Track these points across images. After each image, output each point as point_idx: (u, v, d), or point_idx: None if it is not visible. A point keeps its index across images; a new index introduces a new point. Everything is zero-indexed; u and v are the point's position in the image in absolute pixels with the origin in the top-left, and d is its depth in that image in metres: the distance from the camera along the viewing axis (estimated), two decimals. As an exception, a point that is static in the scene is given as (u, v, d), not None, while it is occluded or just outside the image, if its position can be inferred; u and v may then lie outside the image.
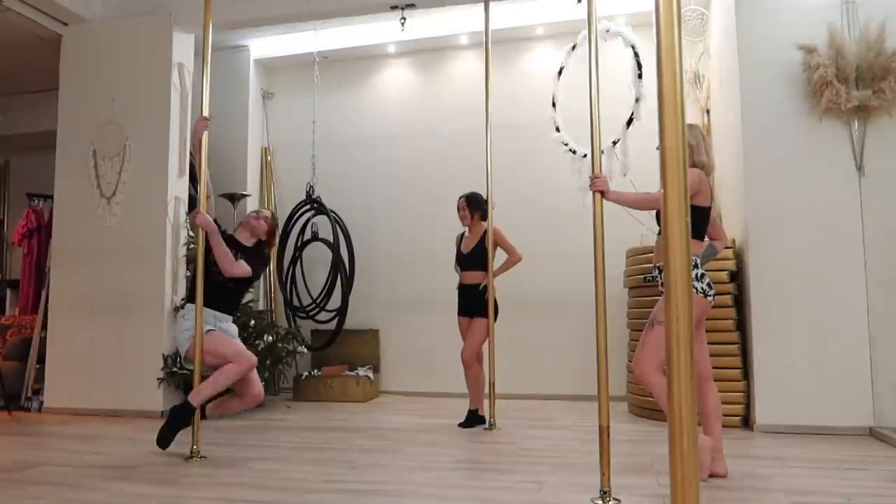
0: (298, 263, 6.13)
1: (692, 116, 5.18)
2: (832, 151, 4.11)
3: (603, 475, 2.59)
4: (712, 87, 5.23)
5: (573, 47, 4.89)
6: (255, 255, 3.77)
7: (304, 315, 5.95)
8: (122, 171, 5.20)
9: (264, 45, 6.47)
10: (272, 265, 6.38)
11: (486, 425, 4.27)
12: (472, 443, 3.91)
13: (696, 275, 2.96)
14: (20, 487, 2.96)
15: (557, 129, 5.00)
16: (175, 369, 4.80)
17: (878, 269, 3.99)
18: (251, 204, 6.39)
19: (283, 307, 6.17)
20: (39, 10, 5.12)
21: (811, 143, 4.14)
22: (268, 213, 3.95)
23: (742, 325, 4.31)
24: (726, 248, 4.20)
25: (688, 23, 5.20)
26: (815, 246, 4.08)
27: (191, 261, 5.10)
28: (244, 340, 5.04)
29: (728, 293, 4.25)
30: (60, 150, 5.39)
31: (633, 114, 4.62)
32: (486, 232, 4.42)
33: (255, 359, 3.63)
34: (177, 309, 5.07)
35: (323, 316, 5.88)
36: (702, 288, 2.95)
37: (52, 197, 5.54)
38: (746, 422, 4.20)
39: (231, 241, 3.74)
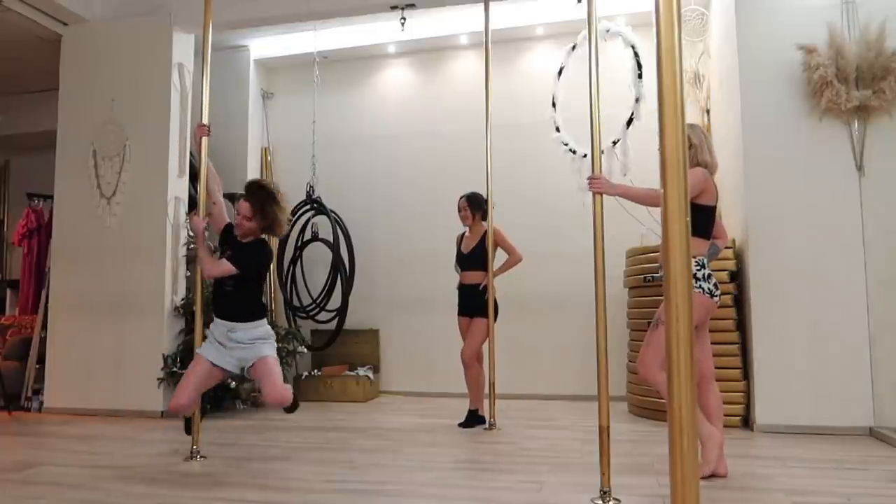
0: (298, 263, 6.13)
1: (692, 116, 5.18)
2: (832, 151, 4.11)
3: (603, 475, 2.59)
4: (712, 87, 5.23)
5: (573, 47, 4.89)
6: (246, 251, 3.35)
7: (304, 315, 5.95)
8: (122, 171, 5.20)
9: (264, 45, 6.47)
10: (272, 266, 6.39)
11: (486, 425, 4.27)
12: (472, 443, 3.91)
13: (704, 275, 2.95)
14: (20, 487, 2.96)
15: (557, 129, 5.00)
16: (175, 369, 4.80)
17: (878, 269, 3.99)
18: (251, 204, 6.38)
19: (283, 307, 6.17)
20: (39, 10, 5.12)
21: (811, 143, 4.14)
22: (246, 206, 3.42)
23: (742, 325, 4.31)
24: (726, 248, 4.20)
25: (688, 23, 5.20)
26: (815, 246, 4.08)
27: (191, 261, 5.11)
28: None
29: (728, 293, 4.25)
30: (60, 150, 5.39)
31: (633, 114, 4.62)
32: (486, 232, 4.42)
33: (179, 402, 3.25)
34: (177, 309, 5.07)
35: (323, 316, 5.88)
36: (708, 288, 2.95)
37: (52, 197, 5.54)
38: (746, 422, 4.19)
39: (228, 237, 3.48)
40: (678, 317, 1.28)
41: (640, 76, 4.62)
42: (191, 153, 5.40)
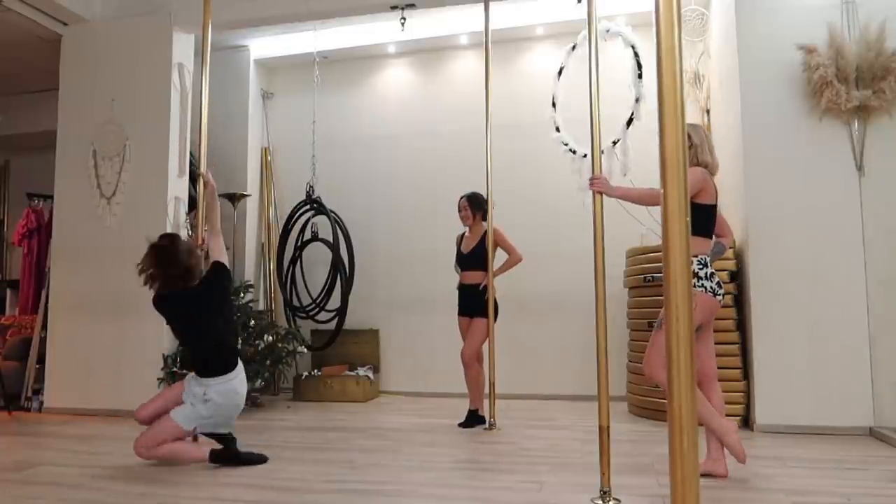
0: (298, 263, 6.14)
1: (692, 116, 5.18)
2: (832, 151, 4.11)
3: (603, 475, 2.59)
4: (712, 87, 5.23)
5: (573, 47, 4.88)
6: (181, 302, 3.32)
7: (303, 315, 5.96)
8: (122, 171, 5.20)
9: (264, 45, 6.47)
10: (272, 266, 6.40)
11: (486, 425, 4.27)
12: (472, 443, 3.91)
13: (706, 273, 2.94)
14: (20, 487, 2.96)
15: (557, 129, 4.99)
16: (175, 369, 4.80)
17: (878, 269, 3.99)
18: (251, 204, 6.39)
19: (283, 307, 6.17)
20: (39, 10, 5.12)
21: (811, 143, 4.14)
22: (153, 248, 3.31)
23: (742, 325, 4.31)
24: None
25: (688, 23, 5.20)
26: (815, 246, 4.08)
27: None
28: (244, 340, 5.07)
29: (728, 293, 4.25)
30: (60, 150, 5.39)
31: (633, 114, 4.62)
32: (486, 232, 4.42)
33: (141, 414, 3.33)
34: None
35: (323, 316, 5.88)
36: (711, 287, 2.94)
37: (52, 197, 5.54)
38: (746, 422, 4.19)
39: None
40: (678, 317, 1.28)
41: (640, 76, 4.62)
42: (191, 153, 5.40)
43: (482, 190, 4.47)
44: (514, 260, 4.45)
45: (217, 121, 5.98)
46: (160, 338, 4.93)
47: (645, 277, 4.66)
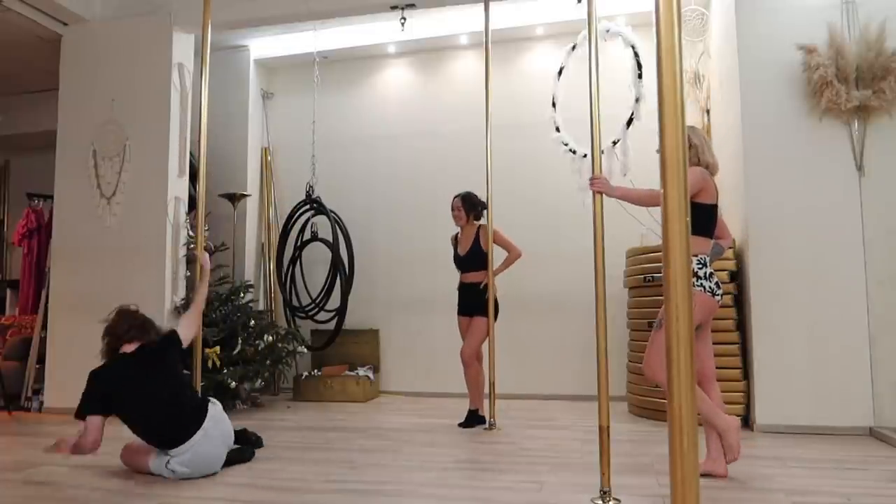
0: (298, 263, 6.14)
1: (692, 116, 5.18)
2: (832, 151, 4.11)
3: (603, 475, 2.59)
4: (712, 87, 5.23)
5: (573, 47, 4.89)
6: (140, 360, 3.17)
7: (303, 315, 5.95)
8: (122, 171, 5.20)
9: (264, 45, 6.47)
10: (272, 266, 6.40)
11: (486, 425, 4.27)
12: (472, 443, 3.91)
13: (706, 273, 2.94)
14: (20, 487, 2.96)
15: (557, 129, 5.00)
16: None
17: (878, 269, 3.99)
18: (251, 204, 6.39)
19: (282, 307, 6.17)
20: (39, 10, 5.12)
21: (811, 143, 4.14)
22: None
23: (742, 325, 4.31)
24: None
25: (688, 23, 5.20)
26: (815, 246, 4.08)
27: (191, 261, 5.11)
28: (244, 341, 5.07)
29: (728, 293, 4.25)
30: (60, 150, 5.38)
31: (633, 114, 4.62)
32: (479, 231, 4.42)
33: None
34: (177, 309, 5.07)
35: (322, 316, 5.88)
36: (710, 287, 2.94)
37: (52, 197, 5.53)
38: (746, 422, 4.19)
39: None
40: (678, 317, 1.28)
41: (640, 76, 4.62)
42: (191, 153, 5.40)
43: (482, 190, 4.47)
44: (514, 256, 4.44)
45: (217, 121, 5.99)
46: (160, 338, 4.93)
47: (645, 277, 4.66)
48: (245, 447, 3.44)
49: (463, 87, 6.18)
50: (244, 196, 6.17)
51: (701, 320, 2.95)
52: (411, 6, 5.04)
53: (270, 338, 5.28)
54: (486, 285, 4.32)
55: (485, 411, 4.34)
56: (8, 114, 6.95)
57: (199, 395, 3.47)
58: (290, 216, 6.09)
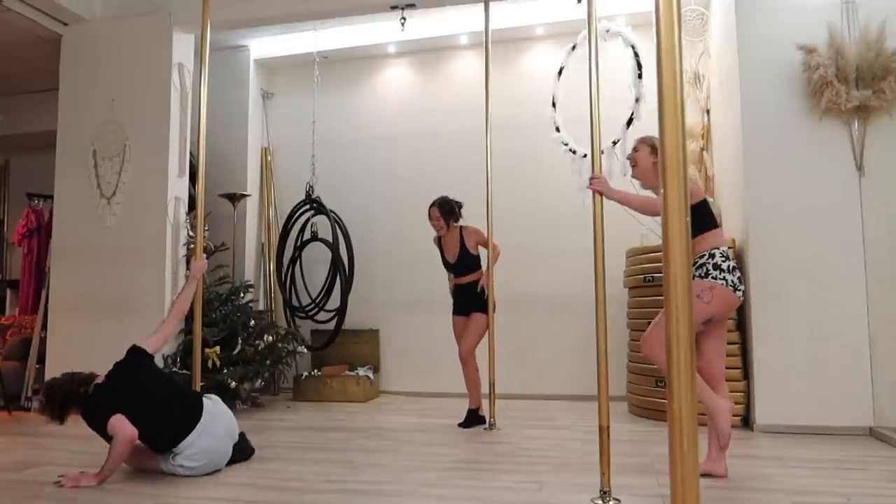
0: (298, 263, 6.13)
1: (692, 116, 5.19)
2: (832, 151, 4.11)
3: (603, 475, 2.59)
4: (712, 87, 5.23)
5: (573, 47, 4.89)
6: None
7: (303, 315, 5.95)
8: (122, 171, 5.20)
9: (264, 45, 6.47)
10: (271, 266, 6.40)
11: (486, 425, 4.27)
12: (472, 443, 3.91)
13: (729, 266, 2.93)
14: (20, 487, 2.96)
15: (557, 129, 5.00)
16: (174, 369, 4.80)
17: (878, 269, 3.99)
18: (251, 204, 6.39)
19: (282, 307, 6.17)
20: (39, 10, 5.12)
21: (811, 143, 4.14)
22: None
23: (742, 325, 4.31)
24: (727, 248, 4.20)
25: (688, 23, 5.20)
26: (815, 246, 4.08)
27: (191, 261, 5.11)
28: (244, 341, 5.07)
29: (728, 293, 4.24)
30: (60, 150, 5.38)
31: (633, 114, 4.63)
32: (462, 234, 4.40)
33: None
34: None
35: (322, 316, 5.88)
36: (732, 281, 2.92)
37: (52, 197, 5.53)
38: (746, 422, 4.19)
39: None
40: (678, 317, 1.28)
41: (640, 76, 4.63)
42: (191, 153, 5.40)
43: (482, 190, 4.46)
44: (497, 253, 4.40)
45: (217, 121, 5.99)
46: (160, 338, 4.93)
47: (645, 277, 4.66)
48: (245, 444, 3.44)
49: (463, 87, 6.18)
50: (244, 196, 6.17)
51: (717, 313, 2.92)
52: (411, 6, 5.04)
53: (270, 338, 5.28)
54: (483, 288, 4.29)
55: (484, 411, 4.34)
56: (8, 114, 6.95)
57: (196, 392, 3.49)
58: (290, 216, 6.08)
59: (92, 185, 5.23)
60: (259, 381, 5.18)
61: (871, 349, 3.94)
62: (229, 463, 3.27)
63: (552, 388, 5.62)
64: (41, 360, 5.32)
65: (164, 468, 3.13)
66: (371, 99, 6.51)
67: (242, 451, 3.39)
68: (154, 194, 5.11)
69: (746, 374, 4.25)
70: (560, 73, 4.98)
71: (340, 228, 5.96)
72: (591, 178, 2.83)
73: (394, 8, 5.06)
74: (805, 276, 4.07)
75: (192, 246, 4.86)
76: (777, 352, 4.07)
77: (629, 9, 5.26)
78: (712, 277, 2.91)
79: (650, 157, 3.11)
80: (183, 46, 5.33)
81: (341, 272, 5.82)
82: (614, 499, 2.58)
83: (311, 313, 5.91)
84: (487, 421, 4.28)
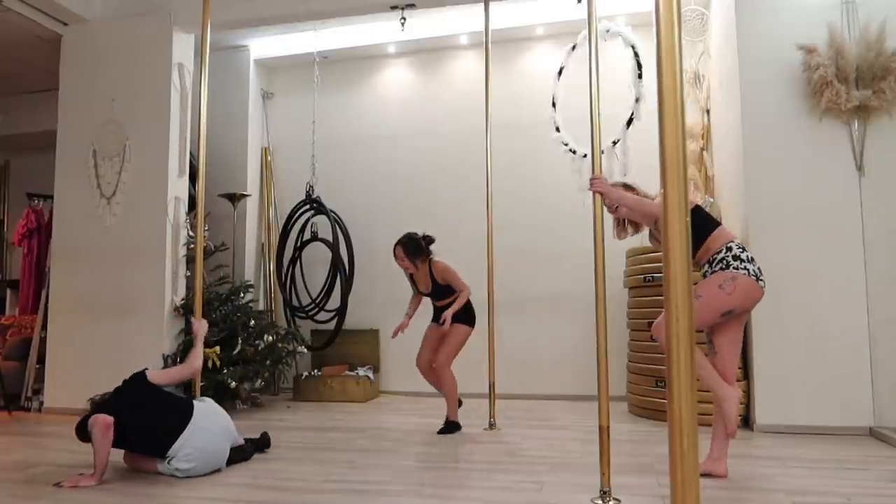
0: (298, 263, 6.13)
1: (692, 116, 5.19)
2: (832, 151, 4.11)
3: (603, 475, 2.59)
4: (712, 87, 5.23)
5: (573, 47, 4.89)
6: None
7: (303, 315, 5.95)
8: (122, 171, 5.20)
9: (264, 45, 6.47)
10: (271, 266, 6.40)
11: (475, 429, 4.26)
12: (472, 443, 3.91)
13: (748, 256, 2.91)
14: (20, 487, 2.96)
15: (557, 129, 5.00)
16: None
17: (878, 269, 3.99)
18: (251, 204, 6.39)
19: (282, 307, 6.17)
20: (39, 10, 5.12)
21: (811, 143, 4.14)
22: None
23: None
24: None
25: (688, 23, 5.20)
26: (815, 246, 4.08)
27: (191, 261, 5.11)
28: (244, 341, 5.07)
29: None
30: (60, 150, 5.38)
31: (633, 114, 4.62)
32: (431, 268, 4.25)
33: None
34: (177, 309, 5.07)
35: (322, 316, 5.88)
36: (754, 271, 2.89)
37: (52, 197, 5.54)
38: (746, 422, 4.19)
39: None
40: (678, 317, 1.28)
41: (640, 76, 4.62)
42: (191, 153, 5.40)
43: (482, 190, 4.45)
44: (464, 296, 4.22)
45: (217, 121, 5.99)
46: (160, 338, 4.94)
47: (645, 277, 4.66)
48: (244, 446, 3.45)
49: (463, 87, 6.18)
50: (244, 196, 6.17)
51: (738, 305, 2.86)
52: (411, 6, 5.04)
53: (270, 338, 5.28)
54: (444, 321, 4.11)
55: (485, 412, 4.33)
56: (8, 114, 6.95)
57: (189, 396, 3.52)
58: (290, 216, 6.08)
59: (92, 185, 5.23)
60: (259, 381, 5.19)
61: (871, 349, 3.95)
62: (229, 463, 3.27)
63: (552, 388, 5.62)
64: (41, 360, 5.33)
65: (161, 470, 3.14)
66: (371, 99, 6.51)
67: (242, 452, 3.39)
68: (154, 194, 5.11)
69: (746, 373, 4.25)
70: (560, 73, 4.98)
71: (340, 228, 5.96)
72: (592, 179, 2.84)
73: (394, 8, 5.06)
74: (805, 276, 4.07)
75: (192, 246, 4.87)
76: (777, 352, 4.07)
77: (629, 9, 5.26)
78: (734, 268, 2.87)
79: (627, 193, 3.11)
80: (183, 46, 5.34)
81: (341, 272, 5.82)
82: (614, 499, 2.58)
83: (311, 313, 5.91)
84: (488, 421, 4.27)
